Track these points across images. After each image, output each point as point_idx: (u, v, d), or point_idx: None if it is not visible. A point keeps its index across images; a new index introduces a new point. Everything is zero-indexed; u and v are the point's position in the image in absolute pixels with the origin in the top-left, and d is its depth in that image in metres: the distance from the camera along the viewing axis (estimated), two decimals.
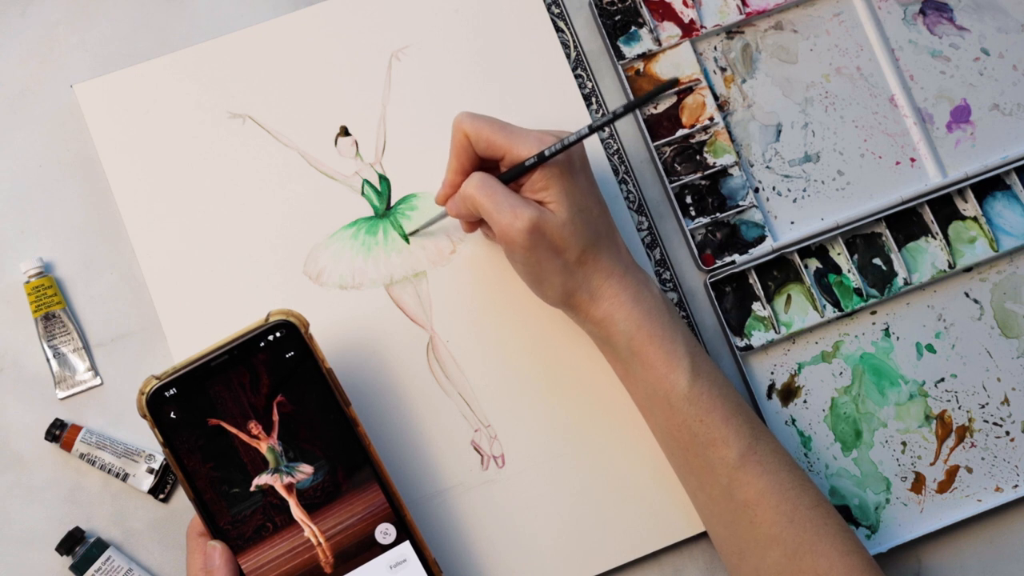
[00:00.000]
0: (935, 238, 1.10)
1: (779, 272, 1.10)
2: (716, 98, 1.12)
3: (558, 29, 1.12)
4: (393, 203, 1.08)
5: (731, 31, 1.14)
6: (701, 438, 0.96)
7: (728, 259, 1.09)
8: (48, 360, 1.04)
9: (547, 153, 0.93)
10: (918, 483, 1.07)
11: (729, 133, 1.11)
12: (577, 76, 1.11)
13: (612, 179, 1.10)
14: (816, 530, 0.94)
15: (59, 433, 1.02)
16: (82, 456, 1.02)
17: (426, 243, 1.08)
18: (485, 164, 0.99)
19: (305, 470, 0.90)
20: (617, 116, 0.92)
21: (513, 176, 0.95)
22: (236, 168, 1.08)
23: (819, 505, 0.95)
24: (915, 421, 1.08)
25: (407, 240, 1.08)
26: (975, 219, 1.11)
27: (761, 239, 1.09)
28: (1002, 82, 1.14)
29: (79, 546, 1.00)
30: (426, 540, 0.94)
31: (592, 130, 0.93)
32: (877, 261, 1.10)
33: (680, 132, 1.11)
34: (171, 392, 0.89)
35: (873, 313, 1.10)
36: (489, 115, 0.97)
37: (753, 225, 1.10)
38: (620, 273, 0.98)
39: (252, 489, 0.89)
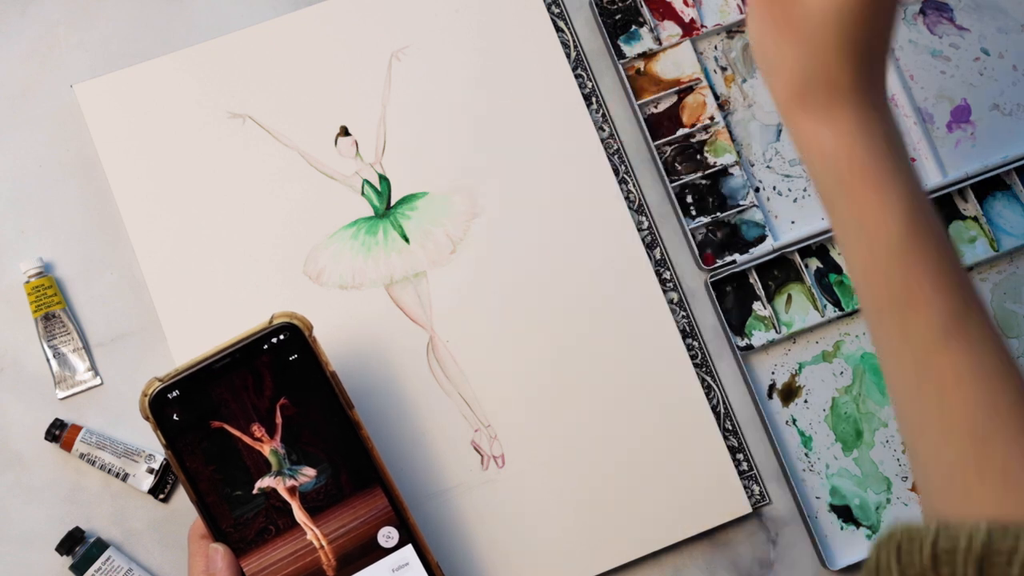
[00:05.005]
0: None
1: (780, 272, 1.10)
2: (717, 97, 1.12)
3: (558, 29, 1.12)
4: (393, 203, 1.08)
5: (732, 30, 1.14)
6: (901, 298, 0.82)
7: (729, 259, 1.09)
8: (48, 360, 1.04)
9: None
10: None
11: (730, 132, 1.11)
12: (577, 76, 1.11)
13: (612, 179, 1.10)
14: (1016, 426, 0.81)
15: (59, 433, 1.02)
16: (82, 456, 1.02)
17: (426, 243, 1.08)
18: None
19: (308, 473, 0.90)
20: None
21: None
22: (236, 168, 1.08)
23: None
24: None
25: (407, 240, 1.08)
26: (975, 219, 1.11)
27: (762, 238, 1.09)
28: (1002, 82, 1.14)
29: (79, 546, 1.00)
30: (427, 540, 0.94)
31: None
32: None
33: (680, 131, 1.11)
34: (174, 394, 0.89)
35: None
36: None
37: (754, 224, 1.10)
38: (861, 93, 0.84)
39: (255, 492, 0.89)
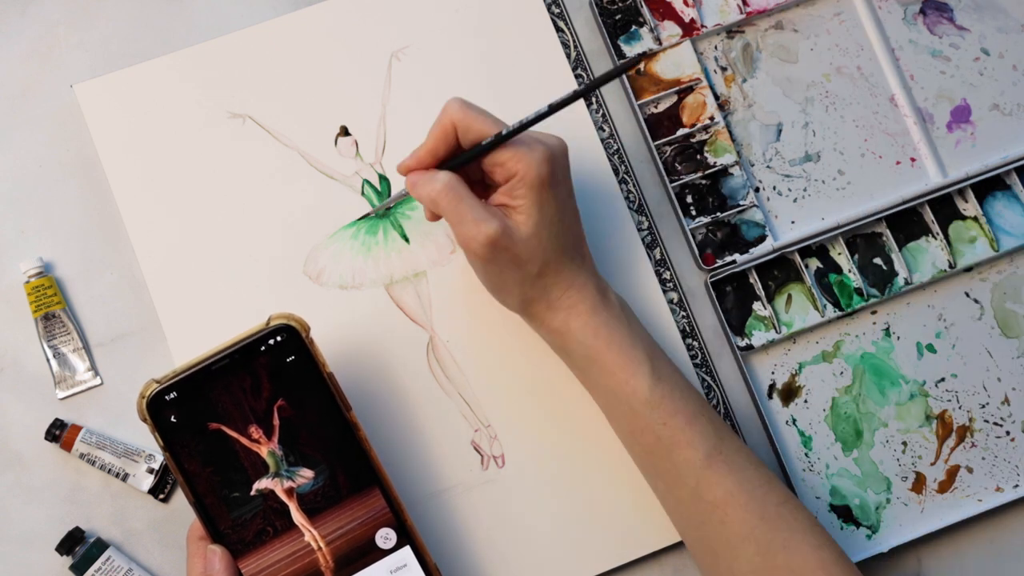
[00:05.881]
0: (935, 238, 1.10)
1: (780, 272, 1.10)
2: (717, 97, 1.12)
3: (558, 29, 1.12)
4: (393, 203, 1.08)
5: (732, 30, 1.14)
6: (666, 441, 0.96)
7: (729, 259, 1.09)
8: (48, 360, 1.04)
9: (504, 132, 0.92)
10: (919, 483, 1.07)
11: (730, 132, 1.11)
12: (577, 76, 1.11)
13: (612, 179, 1.10)
14: (787, 526, 0.94)
15: (59, 433, 1.02)
16: (82, 456, 1.02)
17: (426, 243, 1.08)
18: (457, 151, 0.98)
19: (306, 474, 0.90)
20: (578, 95, 0.91)
21: (469, 158, 0.95)
22: (236, 168, 1.08)
23: (787, 501, 0.95)
24: (916, 421, 1.08)
25: (407, 240, 1.08)
26: (975, 219, 1.11)
27: (762, 239, 1.09)
28: (1002, 82, 1.14)
29: (79, 546, 1.00)
30: (426, 540, 0.94)
31: (552, 109, 0.92)
32: (877, 261, 1.10)
33: (680, 131, 1.11)
34: (171, 396, 0.89)
35: (874, 313, 1.10)
36: (482, 108, 0.96)
37: (754, 224, 1.10)
38: (580, 284, 0.98)
39: (252, 493, 0.89)
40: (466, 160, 0.95)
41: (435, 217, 1.01)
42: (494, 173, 0.95)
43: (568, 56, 1.12)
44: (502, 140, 0.93)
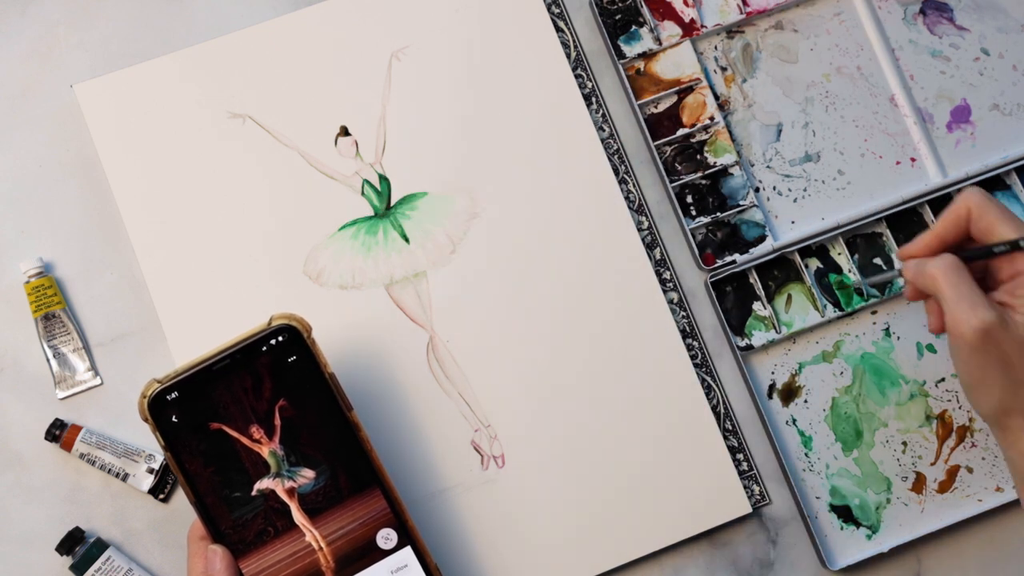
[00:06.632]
0: None
1: (780, 272, 1.10)
2: (717, 97, 1.12)
3: (558, 29, 1.12)
4: (393, 203, 1.08)
5: (731, 30, 1.14)
6: None
7: (729, 259, 1.09)
8: (48, 360, 1.04)
9: (1022, 244, 0.88)
10: (919, 483, 1.07)
11: (730, 132, 1.11)
12: (577, 76, 1.11)
13: (612, 179, 1.10)
14: None
15: (59, 433, 1.02)
16: (82, 456, 1.02)
17: (426, 243, 1.08)
18: (963, 241, 0.94)
19: (307, 475, 0.90)
20: None
21: (977, 255, 0.91)
22: (236, 168, 1.08)
23: None
24: (916, 421, 1.08)
25: (407, 240, 1.08)
26: None
27: (762, 239, 1.09)
28: (1002, 82, 1.14)
29: (79, 546, 1.00)
30: (426, 540, 0.94)
31: None
32: (878, 261, 1.10)
33: (680, 131, 1.11)
34: (173, 396, 0.89)
35: (874, 313, 1.10)
36: (1003, 204, 0.91)
37: (754, 225, 1.10)
38: None
39: (253, 493, 0.89)
40: (977, 256, 0.91)
41: (917, 295, 0.96)
42: (999, 270, 0.91)
43: (568, 56, 1.12)
44: (1018, 248, 0.88)
